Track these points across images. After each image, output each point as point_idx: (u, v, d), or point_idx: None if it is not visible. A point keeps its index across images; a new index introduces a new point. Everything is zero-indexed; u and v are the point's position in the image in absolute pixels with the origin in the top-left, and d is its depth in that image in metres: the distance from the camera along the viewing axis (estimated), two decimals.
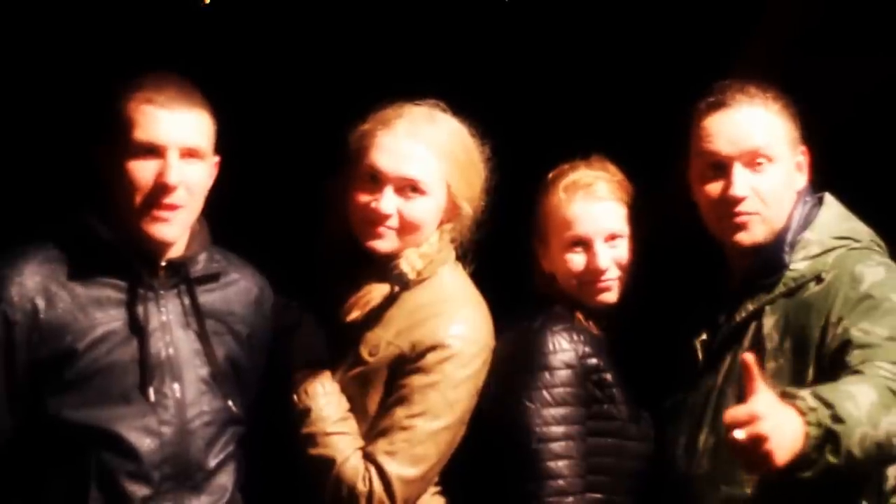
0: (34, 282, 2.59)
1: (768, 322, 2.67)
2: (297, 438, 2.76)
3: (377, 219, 2.78)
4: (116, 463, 2.58)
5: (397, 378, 2.75)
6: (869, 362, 2.40)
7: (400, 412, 2.72)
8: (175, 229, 2.63)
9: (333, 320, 2.80)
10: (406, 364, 2.74)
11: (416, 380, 2.73)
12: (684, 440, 2.75)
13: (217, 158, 2.73)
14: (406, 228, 2.79)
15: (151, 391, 2.60)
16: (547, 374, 2.75)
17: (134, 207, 2.60)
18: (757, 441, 2.14)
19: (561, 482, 2.72)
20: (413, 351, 2.74)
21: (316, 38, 4.10)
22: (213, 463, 2.67)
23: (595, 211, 2.85)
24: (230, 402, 2.70)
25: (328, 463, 2.73)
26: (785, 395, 2.25)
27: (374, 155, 2.79)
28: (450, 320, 2.76)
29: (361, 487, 2.70)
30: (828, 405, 2.24)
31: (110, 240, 2.63)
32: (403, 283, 2.79)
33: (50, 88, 3.99)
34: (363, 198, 2.80)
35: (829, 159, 2.81)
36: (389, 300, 2.80)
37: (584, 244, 2.85)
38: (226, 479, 2.71)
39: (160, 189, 2.59)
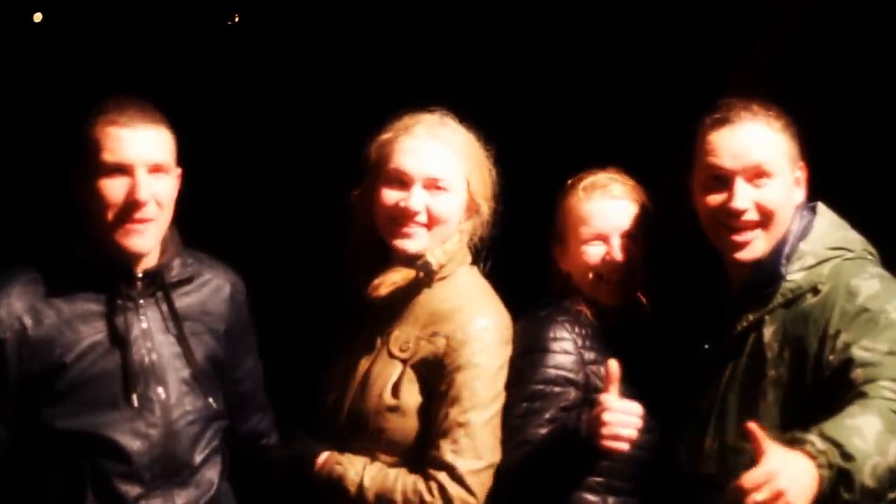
0: (21, 302, 2.69)
1: (768, 332, 2.72)
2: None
3: (407, 216, 2.87)
4: (110, 466, 2.68)
5: (438, 378, 2.83)
6: (872, 382, 2.46)
7: (453, 412, 2.80)
8: (148, 240, 2.73)
9: (361, 322, 2.88)
10: (444, 366, 2.82)
11: (459, 377, 2.82)
12: (690, 443, 2.81)
13: (179, 170, 2.81)
14: (434, 223, 2.88)
15: (135, 397, 2.71)
16: (542, 356, 2.85)
17: (108, 224, 2.70)
18: (777, 497, 2.22)
19: (525, 447, 2.80)
20: (449, 349, 2.82)
21: (321, 48, 4.18)
22: (198, 459, 2.78)
23: (612, 208, 2.95)
24: (211, 399, 2.81)
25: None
26: (794, 441, 2.32)
27: (399, 158, 2.89)
28: (477, 314, 2.86)
29: (429, 499, 2.78)
30: (836, 444, 2.31)
31: (86, 257, 2.72)
32: (429, 271, 2.87)
33: (27, 118, 4.04)
34: (391, 199, 2.89)
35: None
36: (411, 294, 2.89)
37: (601, 239, 2.94)
38: (211, 473, 2.82)
39: (132, 205, 2.68)
